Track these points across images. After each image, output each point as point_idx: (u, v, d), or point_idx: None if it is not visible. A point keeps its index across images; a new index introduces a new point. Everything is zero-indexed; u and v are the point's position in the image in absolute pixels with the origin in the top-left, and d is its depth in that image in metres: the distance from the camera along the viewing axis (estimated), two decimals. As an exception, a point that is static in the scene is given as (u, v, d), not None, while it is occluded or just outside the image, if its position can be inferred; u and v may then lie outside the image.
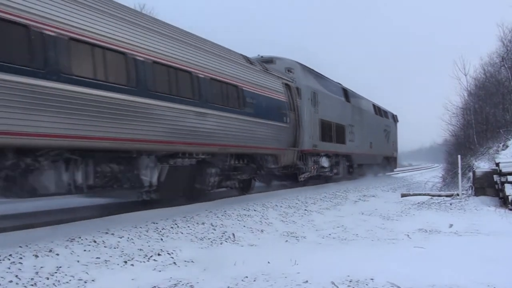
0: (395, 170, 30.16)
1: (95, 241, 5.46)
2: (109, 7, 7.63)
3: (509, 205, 9.45)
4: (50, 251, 4.90)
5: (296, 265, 4.85)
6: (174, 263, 5.07)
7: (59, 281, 4.20)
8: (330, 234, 7.07)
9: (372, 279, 4.31)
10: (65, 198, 10.66)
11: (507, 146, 12.49)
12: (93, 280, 4.29)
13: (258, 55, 14.95)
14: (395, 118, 28.86)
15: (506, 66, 19.85)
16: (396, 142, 28.89)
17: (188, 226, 6.85)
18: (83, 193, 7.68)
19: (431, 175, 23.13)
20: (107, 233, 5.94)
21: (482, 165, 12.34)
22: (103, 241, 5.54)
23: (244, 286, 4.21)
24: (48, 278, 4.23)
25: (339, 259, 5.26)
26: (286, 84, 13.54)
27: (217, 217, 7.82)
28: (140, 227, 6.44)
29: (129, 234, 5.97)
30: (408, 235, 6.92)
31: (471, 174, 12.27)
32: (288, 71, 15.28)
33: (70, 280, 4.24)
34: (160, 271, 4.74)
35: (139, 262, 4.96)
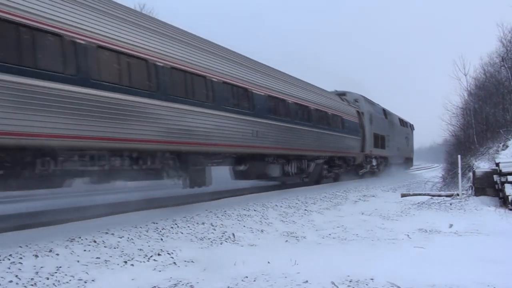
0: (411, 168, 36.64)
1: (95, 241, 5.47)
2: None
3: (509, 205, 9.45)
4: (50, 251, 4.90)
5: (296, 265, 4.85)
6: (174, 263, 5.07)
7: (59, 281, 4.21)
8: (330, 234, 7.07)
9: (372, 279, 4.31)
10: (65, 198, 10.67)
11: (507, 146, 12.49)
12: (93, 280, 4.29)
13: (335, 90, 22.02)
14: (412, 127, 35.16)
15: (506, 66, 19.85)
16: (412, 145, 35.91)
17: (188, 226, 6.86)
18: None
19: (431, 175, 23.14)
20: (107, 233, 5.94)
21: (482, 165, 12.34)
22: (103, 241, 5.54)
23: (244, 286, 4.21)
24: (48, 278, 4.23)
25: (339, 259, 5.26)
26: (357, 111, 21.09)
27: (217, 217, 7.82)
28: (140, 227, 6.44)
29: (129, 234, 5.97)
30: (408, 235, 6.91)
31: (471, 174, 12.27)
32: (355, 100, 22.51)
33: (70, 280, 4.25)
34: (160, 271, 4.74)
35: (139, 262, 4.96)
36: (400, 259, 5.21)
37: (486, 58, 24.86)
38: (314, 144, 15.72)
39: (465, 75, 23.45)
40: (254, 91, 11.87)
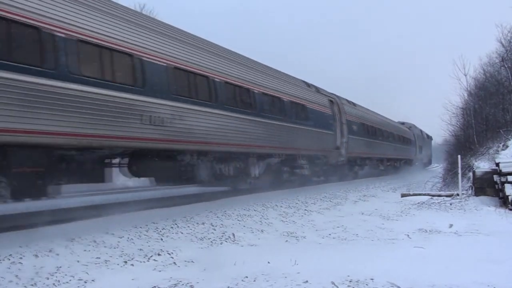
0: (428, 166, 46.08)
1: (95, 241, 5.47)
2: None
3: (509, 205, 9.45)
4: (50, 251, 4.90)
5: (296, 265, 4.84)
6: (174, 263, 5.07)
7: (59, 281, 4.21)
8: (330, 234, 7.07)
9: (372, 279, 4.30)
10: (66, 198, 10.66)
11: (507, 146, 12.48)
12: (93, 280, 4.29)
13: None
14: (430, 137, 46.78)
15: (506, 66, 19.84)
16: (431, 149, 48.17)
17: (188, 226, 6.86)
18: None
19: (431, 175, 23.15)
20: (107, 233, 5.95)
21: (482, 165, 12.33)
22: (103, 241, 5.54)
23: (244, 286, 4.21)
24: (48, 278, 4.23)
25: (339, 259, 5.25)
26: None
27: (217, 217, 7.83)
28: (140, 227, 6.44)
29: (129, 234, 5.97)
30: (408, 235, 6.91)
31: (471, 174, 12.27)
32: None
33: (70, 280, 4.25)
34: (160, 271, 4.74)
35: (139, 262, 4.96)
36: (400, 259, 5.21)
37: (486, 59, 24.86)
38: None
39: (465, 75, 23.45)
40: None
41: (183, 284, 4.24)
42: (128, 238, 5.81)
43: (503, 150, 12.30)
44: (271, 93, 13.04)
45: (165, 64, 8.90)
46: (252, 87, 11.96)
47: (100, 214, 7.98)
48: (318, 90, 17.57)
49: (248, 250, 5.84)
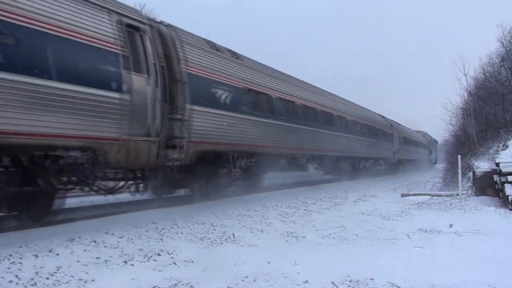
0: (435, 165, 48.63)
1: (95, 241, 5.46)
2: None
3: (509, 205, 9.45)
4: (50, 251, 4.90)
5: (296, 265, 4.84)
6: (174, 263, 5.07)
7: (59, 281, 4.21)
8: (330, 234, 7.07)
9: (372, 279, 4.30)
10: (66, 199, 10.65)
11: (507, 146, 12.48)
12: (93, 280, 4.29)
13: None
14: (436, 141, 49.94)
15: (506, 66, 19.83)
16: (437, 151, 50.80)
17: (188, 226, 6.85)
18: None
19: (431, 175, 23.14)
20: (107, 233, 5.94)
21: (482, 165, 12.32)
22: (103, 241, 5.54)
23: (244, 286, 4.21)
24: (48, 278, 4.23)
25: (339, 259, 5.26)
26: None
27: (217, 217, 7.82)
28: (140, 227, 6.44)
29: (129, 234, 5.97)
30: (408, 235, 6.91)
31: (471, 174, 12.27)
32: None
33: (70, 280, 4.24)
34: (160, 271, 4.74)
35: (139, 262, 4.96)
36: (400, 259, 5.21)
37: (486, 59, 24.83)
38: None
39: (465, 75, 23.42)
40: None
41: (183, 284, 4.24)
42: (128, 238, 5.81)
43: (503, 150, 12.30)
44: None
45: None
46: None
47: (100, 214, 7.97)
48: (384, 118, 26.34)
49: (248, 250, 5.84)
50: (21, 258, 4.60)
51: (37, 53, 6.17)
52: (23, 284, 4.05)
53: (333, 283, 4.20)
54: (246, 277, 4.45)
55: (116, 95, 7.31)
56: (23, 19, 5.99)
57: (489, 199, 10.60)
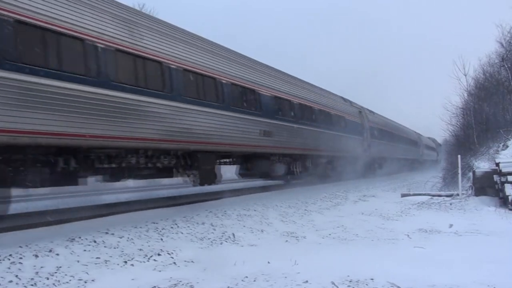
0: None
1: (95, 241, 5.46)
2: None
3: (509, 205, 9.45)
4: (50, 251, 4.90)
5: (296, 265, 4.84)
6: (174, 263, 5.07)
7: (59, 281, 4.21)
8: (330, 234, 7.07)
9: (372, 279, 4.31)
10: (65, 198, 10.66)
11: (507, 146, 12.48)
12: (93, 280, 4.29)
13: None
14: (440, 144, 51.66)
15: (506, 66, 19.83)
16: (441, 152, 50.50)
17: (188, 226, 6.85)
18: None
19: (431, 175, 23.16)
20: (107, 233, 5.94)
21: (482, 165, 12.33)
22: (103, 241, 5.54)
23: (244, 286, 4.21)
24: (48, 278, 4.23)
25: (339, 259, 5.26)
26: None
27: (217, 217, 7.82)
28: (140, 227, 6.44)
29: (129, 234, 5.97)
30: (408, 235, 6.91)
31: (471, 174, 12.27)
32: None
33: (70, 280, 4.25)
34: (160, 271, 4.74)
35: (139, 262, 4.96)
36: (400, 259, 5.21)
37: (485, 59, 24.82)
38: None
39: (465, 75, 23.41)
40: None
41: (183, 284, 4.24)
42: (128, 238, 5.81)
43: (503, 150, 12.30)
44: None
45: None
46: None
47: (100, 214, 7.97)
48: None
49: (248, 250, 5.84)
50: (21, 258, 4.60)
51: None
52: (23, 284, 4.06)
53: (333, 283, 4.20)
54: (246, 277, 4.45)
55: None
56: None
57: (489, 199, 10.60)
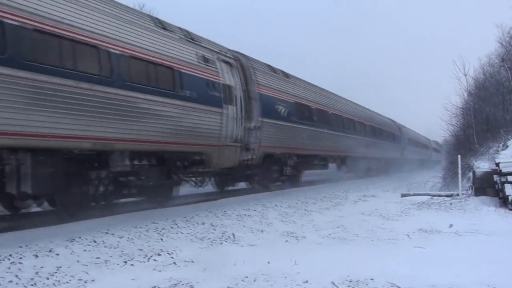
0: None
1: (95, 241, 5.46)
2: None
3: (509, 205, 9.45)
4: (50, 251, 4.90)
5: (296, 265, 4.85)
6: (174, 263, 5.07)
7: (59, 281, 4.21)
8: (330, 234, 7.07)
9: (372, 279, 4.31)
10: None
11: (507, 146, 12.48)
12: (93, 280, 4.29)
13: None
14: (442, 146, 52.72)
15: (506, 66, 19.83)
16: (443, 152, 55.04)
17: (188, 226, 6.85)
18: None
19: (431, 175, 23.16)
20: (107, 233, 5.94)
21: (482, 165, 12.32)
22: (103, 241, 5.54)
23: (244, 286, 4.21)
24: (48, 278, 4.23)
25: (339, 259, 5.26)
26: None
27: (217, 217, 7.82)
28: (140, 227, 6.44)
29: (129, 234, 5.97)
30: (408, 235, 6.92)
31: (471, 174, 12.26)
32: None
33: (70, 280, 4.25)
34: (160, 271, 4.74)
35: (139, 262, 4.96)
36: (400, 259, 5.21)
37: (485, 59, 24.82)
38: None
39: (465, 75, 23.40)
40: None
41: (183, 284, 4.25)
42: (128, 238, 5.81)
43: (503, 150, 12.30)
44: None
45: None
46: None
47: (100, 214, 7.97)
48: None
49: (248, 250, 5.84)
50: (21, 258, 4.60)
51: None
52: (23, 284, 4.05)
53: (333, 283, 4.20)
54: (246, 277, 4.45)
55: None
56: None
57: (489, 199, 10.60)
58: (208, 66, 10.23)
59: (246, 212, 8.52)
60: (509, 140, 13.23)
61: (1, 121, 5.81)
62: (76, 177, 7.44)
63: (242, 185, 13.95)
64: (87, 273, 4.45)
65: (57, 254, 4.84)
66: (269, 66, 14.16)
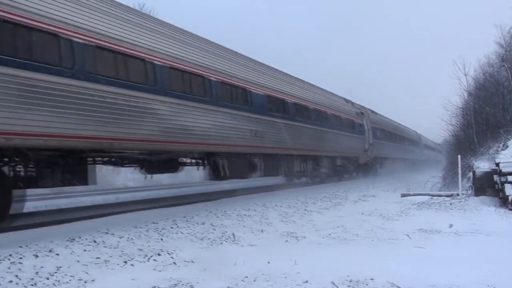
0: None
1: (95, 241, 5.47)
2: None
3: (509, 205, 9.45)
4: (50, 251, 4.90)
5: (296, 265, 4.85)
6: (174, 263, 5.07)
7: (59, 281, 4.21)
8: (330, 234, 7.07)
9: (372, 279, 4.31)
10: (65, 199, 10.67)
11: (507, 146, 12.48)
12: (93, 280, 4.29)
13: None
14: (442, 147, 57.64)
15: (506, 66, 19.82)
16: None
17: (188, 226, 6.86)
18: None
19: (431, 175, 23.16)
20: (107, 233, 5.94)
21: (482, 165, 12.32)
22: (103, 241, 5.54)
23: (244, 286, 4.21)
24: (48, 278, 4.23)
25: (339, 259, 5.26)
26: None
27: (217, 217, 7.83)
28: (140, 227, 6.44)
29: (129, 234, 5.97)
30: (408, 235, 6.91)
31: (471, 174, 12.27)
32: None
33: (70, 280, 4.25)
34: (160, 271, 4.74)
35: (139, 262, 4.96)
36: (400, 259, 5.21)
37: (484, 59, 24.81)
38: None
39: (465, 75, 23.39)
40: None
41: (183, 284, 4.24)
42: (128, 238, 5.81)
43: (503, 150, 12.30)
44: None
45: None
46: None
47: (100, 214, 7.98)
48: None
49: (248, 250, 5.84)
50: (21, 258, 4.61)
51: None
52: (23, 284, 4.06)
53: (333, 283, 4.20)
54: (246, 277, 4.45)
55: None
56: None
57: (489, 199, 10.60)
58: (358, 116, 22.65)
59: (246, 212, 8.53)
60: (509, 140, 13.23)
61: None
62: None
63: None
64: (87, 273, 4.45)
65: (57, 254, 4.84)
66: (372, 110, 26.41)
